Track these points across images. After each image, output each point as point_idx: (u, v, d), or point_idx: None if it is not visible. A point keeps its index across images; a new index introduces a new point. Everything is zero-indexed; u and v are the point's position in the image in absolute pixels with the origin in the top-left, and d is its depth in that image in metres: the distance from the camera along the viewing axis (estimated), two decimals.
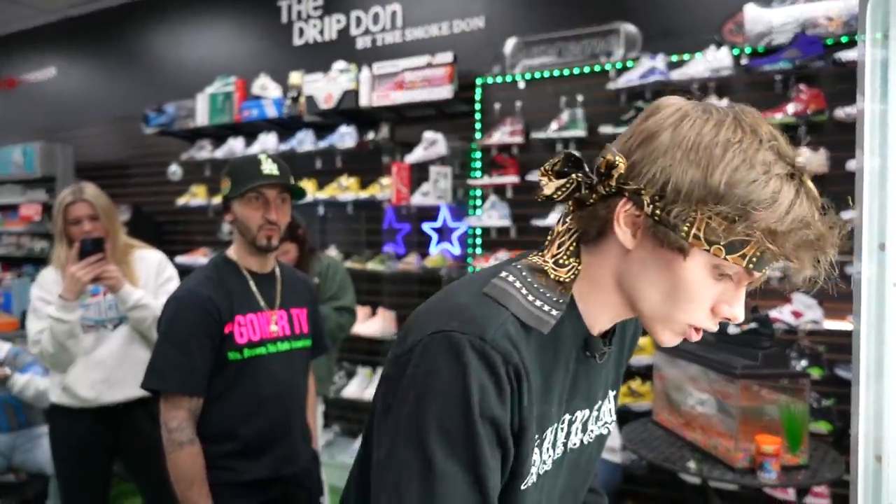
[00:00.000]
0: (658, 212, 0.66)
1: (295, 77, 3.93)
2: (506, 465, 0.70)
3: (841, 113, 2.68)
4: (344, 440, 3.87)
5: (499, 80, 3.51)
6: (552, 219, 3.23)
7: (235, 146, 4.19)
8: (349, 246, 3.96)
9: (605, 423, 0.88)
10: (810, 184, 0.66)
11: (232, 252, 1.64)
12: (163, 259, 2.25)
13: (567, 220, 0.76)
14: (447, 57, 3.45)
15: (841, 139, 2.67)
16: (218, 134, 4.38)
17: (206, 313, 1.50)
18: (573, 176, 0.70)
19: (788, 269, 0.67)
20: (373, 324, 3.68)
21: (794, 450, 2.03)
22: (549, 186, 0.71)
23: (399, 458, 0.66)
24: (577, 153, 0.74)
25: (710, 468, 2.04)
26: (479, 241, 3.60)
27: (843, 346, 2.73)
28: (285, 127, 4.09)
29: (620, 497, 3.09)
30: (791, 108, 2.77)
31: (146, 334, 2.11)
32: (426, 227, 3.76)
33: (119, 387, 2.10)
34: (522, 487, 0.73)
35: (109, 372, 2.09)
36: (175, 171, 4.60)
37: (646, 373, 2.97)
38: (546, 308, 0.71)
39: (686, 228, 0.65)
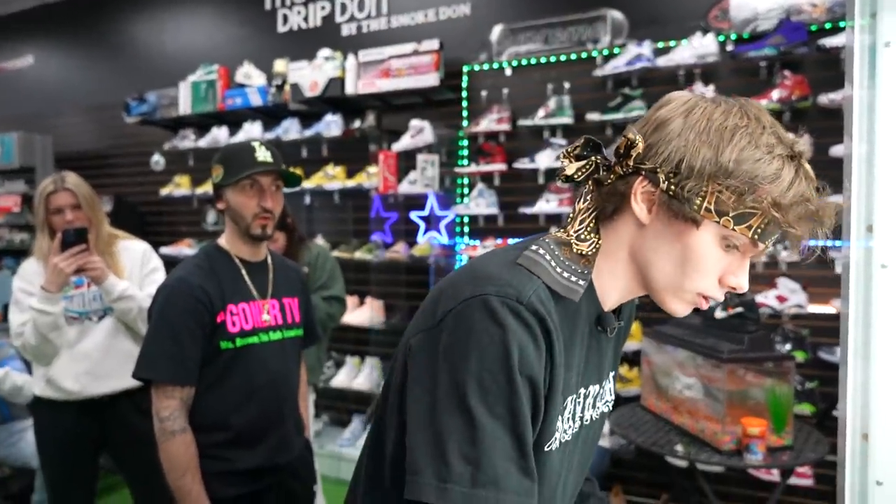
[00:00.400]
0: (673, 187, 0.72)
1: (279, 65, 3.88)
2: (535, 426, 0.73)
3: (825, 99, 2.71)
4: (333, 429, 3.87)
5: (485, 67, 3.49)
6: (539, 206, 3.24)
7: (219, 135, 4.14)
8: (336, 235, 3.94)
9: (607, 401, 0.91)
10: (808, 166, 0.71)
11: (223, 241, 1.62)
12: (147, 249, 2.22)
13: (588, 197, 0.80)
14: (433, 44, 3.43)
15: (825, 125, 2.69)
16: (201, 123, 4.32)
17: (198, 301, 1.48)
18: (592, 158, 0.77)
19: (789, 240, 0.71)
20: (361, 313, 3.68)
21: (779, 431, 2.06)
22: (570, 168, 0.77)
23: (440, 419, 0.68)
24: (595, 138, 0.78)
25: (697, 451, 2.07)
26: (466, 229, 3.60)
27: (826, 329, 2.77)
28: (270, 115, 4.05)
29: (608, 481, 3.12)
30: (776, 94, 2.78)
31: (132, 326, 2.08)
32: (413, 215, 3.75)
33: (105, 379, 2.08)
34: (546, 449, 0.76)
35: (94, 364, 2.06)
36: (158, 160, 4.53)
37: (634, 359, 3.00)
38: (573, 279, 0.75)
39: (699, 202, 0.71)
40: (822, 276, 2.76)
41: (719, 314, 2.24)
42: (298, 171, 1.85)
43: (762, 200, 0.68)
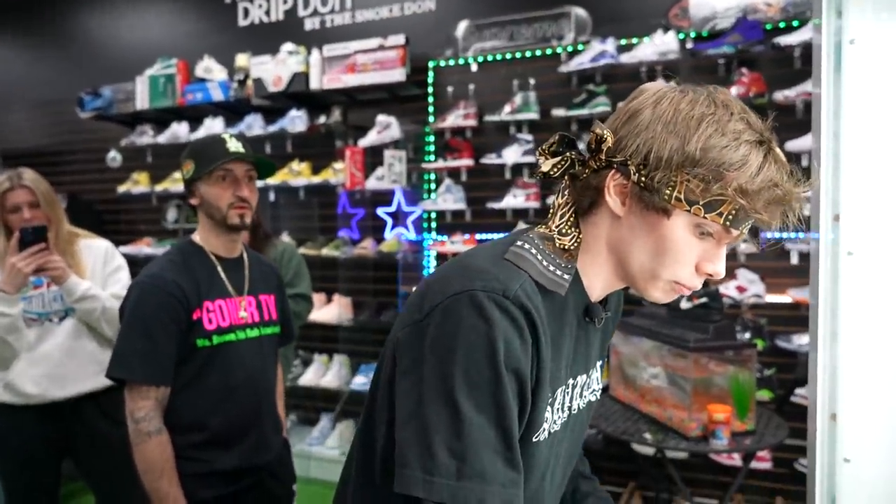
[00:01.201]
0: (643, 179, 0.73)
1: (241, 59, 3.81)
2: (522, 418, 0.74)
3: (780, 96, 2.81)
4: (301, 428, 3.83)
5: (451, 63, 3.50)
6: (507, 202, 3.27)
7: (179, 131, 4.04)
8: (302, 232, 3.89)
9: (594, 390, 0.93)
10: (779, 151, 0.72)
11: (197, 237, 1.60)
12: (110, 247, 2.15)
13: (565, 192, 0.81)
14: (399, 39, 3.42)
15: (780, 121, 2.78)
16: (160, 118, 4.20)
17: (173, 298, 1.45)
18: (567, 154, 0.78)
19: (760, 225, 0.72)
20: (329, 310, 3.65)
21: (742, 417, 2.14)
22: (546, 164, 0.78)
23: (426, 413, 0.68)
24: (569, 134, 0.79)
25: (665, 438, 2.13)
26: (434, 224, 3.61)
27: (783, 318, 2.89)
28: (232, 111, 3.97)
29: None
30: (734, 90, 2.87)
31: (95, 326, 2.02)
32: (380, 211, 3.73)
33: (66, 382, 2.01)
34: (535, 440, 0.78)
35: (55, 367, 1.99)
36: (115, 157, 4.39)
37: None
38: (558, 273, 0.76)
39: (668, 192, 0.72)
40: (780, 266, 2.87)
41: (685, 304, 2.30)
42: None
43: (729, 187, 0.69)
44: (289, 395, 3.76)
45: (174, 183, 4.08)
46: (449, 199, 3.43)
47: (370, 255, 3.53)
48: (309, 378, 3.66)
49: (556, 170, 0.78)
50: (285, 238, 3.72)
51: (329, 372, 3.65)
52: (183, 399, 1.48)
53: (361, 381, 3.54)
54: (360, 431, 0.86)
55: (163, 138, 4.08)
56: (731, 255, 2.94)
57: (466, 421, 0.67)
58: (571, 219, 0.80)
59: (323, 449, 3.57)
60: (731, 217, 0.70)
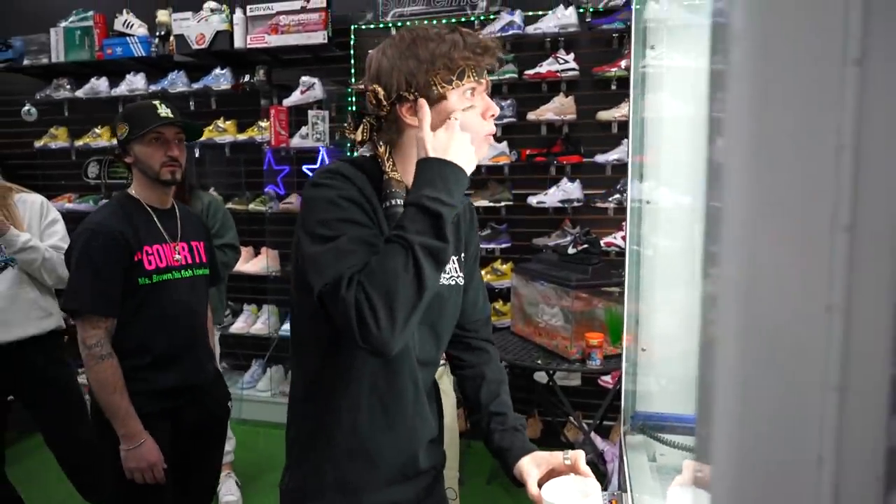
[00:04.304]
0: (415, 92, 1.02)
1: (162, 15, 3.84)
2: None
3: None
4: (233, 374, 4.04)
5: (371, 27, 3.68)
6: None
7: (99, 86, 4.04)
8: (229, 188, 4.03)
9: (453, 276, 1.17)
10: (464, 30, 1.05)
11: (132, 191, 1.81)
12: (45, 201, 2.29)
13: (380, 143, 1.08)
14: (321, 2, 3.56)
15: None
16: (78, 72, 4.17)
17: (117, 243, 1.67)
18: (365, 120, 1.07)
19: (482, 66, 1.04)
20: (257, 262, 3.84)
21: (614, 342, 2.56)
22: (357, 135, 1.07)
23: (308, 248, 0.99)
24: (357, 111, 1.09)
25: (552, 362, 2.52)
26: None
27: None
28: (155, 67, 4.00)
29: None
30: (624, 63, 3.23)
31: (36, 275, 2.18)
32: (305, 168, 3.92)
33: (10, 327, 2.17)
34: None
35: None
36: (29, 110, 4.32)
37: (507, 294, 3.43)
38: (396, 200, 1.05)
39: (434, 89, 1.02)
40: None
41: (571, 250, 2.68)
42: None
43: (454, 60, 1.00)
44: (221, 344, 3.98)
45: (95, 139, 4.09)
46: None
47: (296, 209, 3.73)
48: (239, 326, 3.87)
49: (364, 134, 1.07)
50: (212, 192, 3.85)
51: (259, 320, 3.87)
52: (129, 329, 1.72)
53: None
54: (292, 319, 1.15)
55: (81, 92, 4.06)
56: (620, 210, 3.34)
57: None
58: (391, 159, 1.06)
59: (254, 392, 3.83)
60: (473, 73, 1.02)
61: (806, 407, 0.36)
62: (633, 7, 1.29)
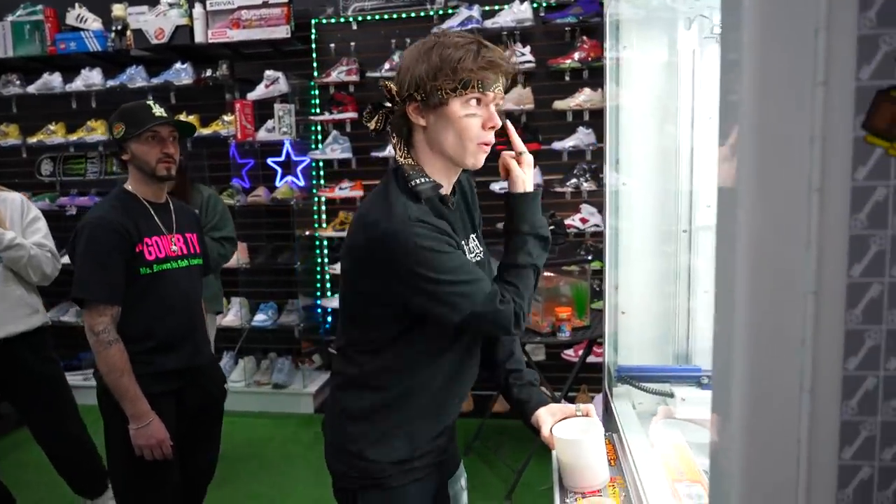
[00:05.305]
0: (422, 94, 1.13)
1: (118, 9, 3.79)
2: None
3: None
4: None
5: (332, 21, 3.76)
6: (390, 150, 3.64)
7: (52, 81, 3.95)
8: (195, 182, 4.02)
9: (478, 251, 1.32)
10: (488, 45, 1.15)
11: (129, 186, 1.88)
12: (25, 200, 2.31)
13: (394, 135, 1.21)
14: None
15: None
16: (27, 67, 4.06)
17: (120, 235, 1.75)
18: (379, 112, 1.20)
19: (489, 83, 1.13)
20: None
21: (580, 315, 2.77)
22: (371, 124, 1.20)
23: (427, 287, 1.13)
24: (376, 103, 1.21)
25: (524, 335, 2.71)
26: (322, 172, 3.92)
27: None
28: (111, 62, 3.95)
29: None
30: (577, 55, 3.43)
31: (21, 273, 2.20)
32: (270, 161, 3.97)
33: None
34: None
35: None
36: None
37: None
38: (423, 178, 1.17)
39: (438, 92, 1.12)
40: None
41: None
42: (193, 121, 2.09)
43: (463, 70, 1.09)
44: None
45: (49, 135, 4.02)
46: (336, 149, 3.75)
47: (264, 202, 3.78)
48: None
49: (378, 124, 1.19)
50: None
51: (229, 312, 3.91)
52: (132, 315, 1.80)
53: (261, 319, 3.85)
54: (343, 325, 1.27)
55: (33, 88, 3.97)
56: (577, 193, 3.56)
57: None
58: (404, 149, 1.19)
59: (229, 383, 3.86)
60: (477, 85, 1.11)
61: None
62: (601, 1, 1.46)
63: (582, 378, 3.51)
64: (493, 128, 1.16)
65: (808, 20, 0.49)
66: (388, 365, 1.22)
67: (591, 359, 2.99)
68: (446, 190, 1.24)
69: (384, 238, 1.12)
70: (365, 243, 1.16)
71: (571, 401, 3.44)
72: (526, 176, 1.22)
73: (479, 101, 1.14)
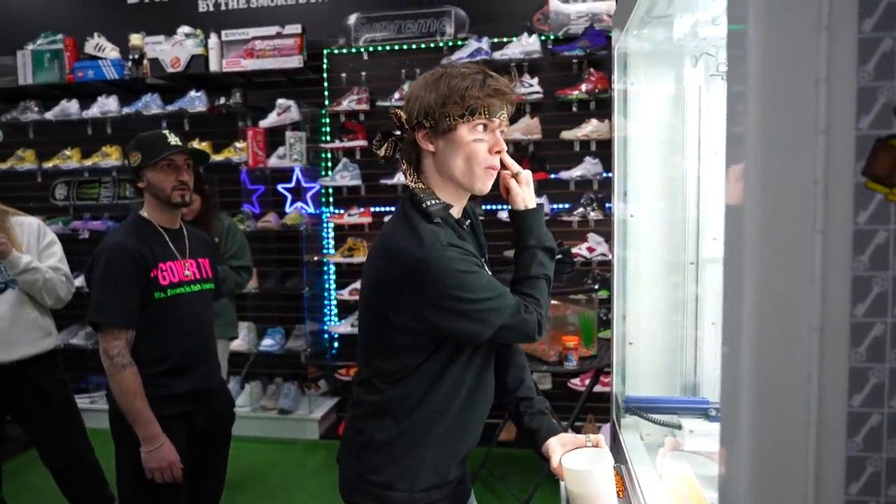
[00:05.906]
0: (431, 121, 1.18)
1: (136, 39, 3.90)
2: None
3: None
4: None
5: (344, 51, 3.84)
6: (399, 177, 3.70)
7: (69, 108, 4.04)
8: None
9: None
10: (493, 75, 1.19)
11: (145, 213, 1.93)
12: (42, 224, 2.35)
13: (404, 161, 1.26)
14: (296, 28, 3.70)
15: None
16: (46, 94, 4.16)
17: (136, 261, 1.79)
18: (389, 139, 1.25)
19: (495, 110, 1.18)
20: None
21: (587, 344, 2.77)
22: (381, 151, 1.25)
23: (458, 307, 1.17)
24: (385, 131, 1.26)
25: (531, 364, 2.70)
26: (332, 199, 3.97)
27: None
28: (127, 89, 4.04)
29: None
30: (584, 86, 3.49)
31: (36, 296, 2.23)
32: (280, 187, 4.02)
33: (12, 347, 2.21)
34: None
35: (1, 333, 2.18)
36: None
37: None
38: (435, 200, 1.21)
39: (445, 119, 1.17)
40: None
41: None
42: (206, 147, 2.14)
43: (468, 98, 1.15)
44: None
45: (65, 160, 4.09)
46: (346, 175, 3.80)
47: (273, 227, 3.83)
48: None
49: (388, 151, 1.24)
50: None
51: (238, 337, 3.92)
52: (147, 339, 1.83)
53: (268, 343, 3.86)
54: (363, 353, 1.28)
55: (51, 115, 4.06)
56: (584, 222, 3.59)
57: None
58: (414, 174, 1.24)
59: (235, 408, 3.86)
60: (484, 111, 1.16)
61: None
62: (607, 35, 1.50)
63: (588, 408, 3.50)
64: (499, 152, 1.21)
65: (809, 72, 0.52)
66: (409, 392, 1.23)
67: (597, 388, 2.99)
68: (456, 214, 1.27)
69: (417, 267, 1.14)
70: (395, 273, 1.17)
71: (578, 430, 3.41)
72: (525, 193, 1.27)
73: (485, 126, 1.18)
